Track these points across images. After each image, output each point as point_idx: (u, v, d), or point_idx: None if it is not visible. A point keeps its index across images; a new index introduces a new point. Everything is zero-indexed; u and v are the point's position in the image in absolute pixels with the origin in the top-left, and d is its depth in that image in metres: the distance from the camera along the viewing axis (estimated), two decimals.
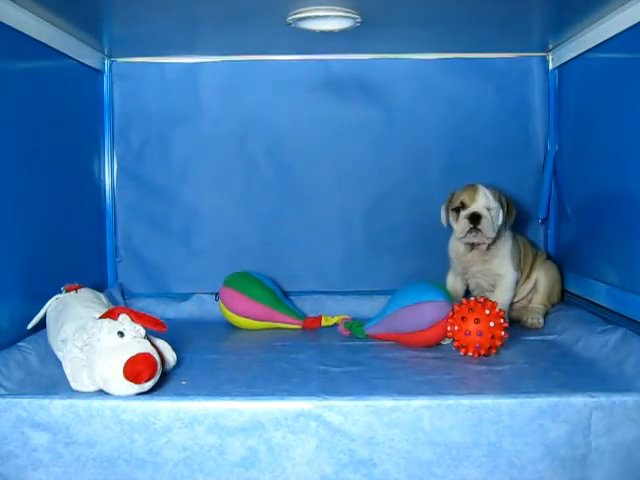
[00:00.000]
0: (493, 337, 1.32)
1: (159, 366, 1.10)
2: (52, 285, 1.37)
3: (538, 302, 1.66)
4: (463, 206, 1.57)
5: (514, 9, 1.39)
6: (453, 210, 1.59)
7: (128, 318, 1.13)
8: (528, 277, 1.68)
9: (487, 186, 1.59)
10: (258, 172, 1.87)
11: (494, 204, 1.56)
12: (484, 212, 1.55)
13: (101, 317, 1.15)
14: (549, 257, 1.79)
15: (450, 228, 1.62)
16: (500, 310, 1.35)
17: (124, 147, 1.86)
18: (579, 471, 0.96)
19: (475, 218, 1.54)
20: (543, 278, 1.68)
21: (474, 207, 1.55)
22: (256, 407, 0.96)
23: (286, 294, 1.78)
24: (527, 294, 1.69)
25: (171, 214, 1.88)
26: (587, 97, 1.64)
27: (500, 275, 1.61)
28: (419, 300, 1.41)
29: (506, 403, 0.96)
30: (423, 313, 1.40)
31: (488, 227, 1.54)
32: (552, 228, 1.86)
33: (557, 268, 1.73)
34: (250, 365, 1.35)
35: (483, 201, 1.55)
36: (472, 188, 1.58)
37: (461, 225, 1.56)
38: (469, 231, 1.54)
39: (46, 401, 0.96)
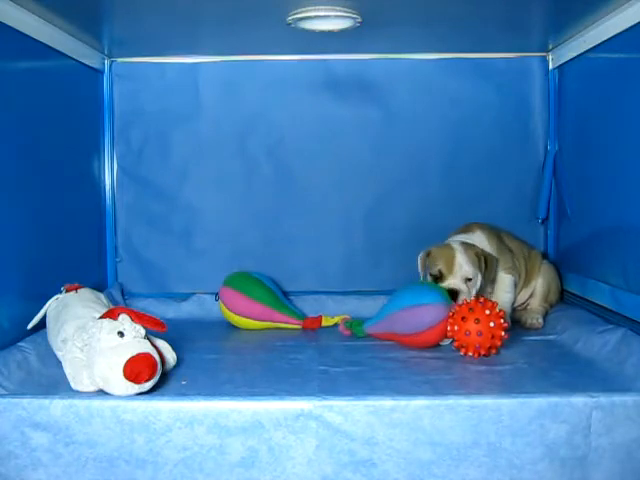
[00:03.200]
0: (493, 337, 1.32)
1: (159, 366, 1.10)
2: (52, 285, 1.37)
3: (537, 303, 1.67)
4: (441, 276, 1.50)
5: (514, 9, 1.39)
6: (431, 275, 1.53)
7: (128, 318, 1.13)
8: (528, 283, 1.68)
9: (466, 246, 1.52)
10: (258, 172, 1.87)
11: (472, 272, 1.49)
12: (462, 287, 1.48)
13: (101, 317, 1.15)
14: (545, 256, 1.78)
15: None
16: (500, 310, 1.35)
17: (124, 147, 1.86)
18: (579, 471, 0.96)
19: (454, 294, 1.47)
20: (540, 280, 1.68)
21: (452, 282, 1.49)
22: (256, 407, 0.96)
23: (286, 294, 1.78)
24: (527, 299, 1.69)
25: (171, 214, 1.88)
26: (587, 97, 1.63)
27: (497, 281, 1.60)
28: (418, 302, 1.41)
29: (506, 403, 0.96)
30: (421, 315, 1.39)
31: (465, 299, 1.45)
32: (552, 228, 1.86)
33: (554, 268, 1.73)
34: (250, 365, 1.35)
35: (461, 273, 1.49)
36: (449, 254, 1.50)
37: None
38: None
39: (46, 401, 0.96)
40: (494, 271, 1.55)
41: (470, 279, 1.50)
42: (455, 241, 1.56)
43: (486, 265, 1.52)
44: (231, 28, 1.53)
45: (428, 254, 1.55)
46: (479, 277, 1.51)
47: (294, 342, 1.52)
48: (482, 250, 1.55)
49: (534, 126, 1.85)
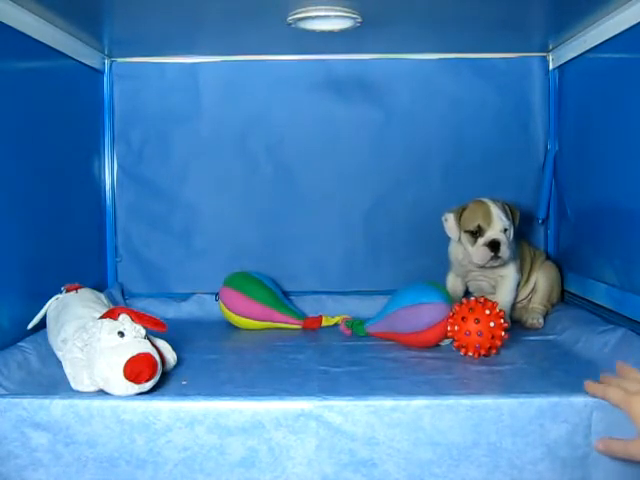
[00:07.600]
0: (493, 337, 1.32)
1: (159, 366, 1.10)
2: (52, 285, 1.36)
3: (538, 302, 1.66)
4: (480, 230, 1.54)
5: (514, 9, 1.39)
6: (467, 232, 1.56)
7: (128, 318, 1.13)
8: (528, 279, 1.68)
9: (494, 201, 1.56)
10: (258, 172, 1.86)
11: (507, 223, 1.54)
12: (502, 237, 1.52)
13: (101, 317, 1.15)
14: (548, 257, 1.78)
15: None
16: (500, 310, 1.35)
17: (124, 147, 1.86)
18: (579, 471, 0.96)
19: (496, 245, 1.52)
20: (542, 278, 1.68)
21: (492, 234, 1.52)
22: (256, 407, 0.96)
23: (286, 294, 1.78)
24: (527, 295, 1.68)
25: (171, 214, 1.87)
26: (587, 97, 1.63)
27: (502, 277, 1.60)
28: (418, 301, 1.41)
29: (506, 403, 0.96)
30: (421, 314, 1.39)
31: (507, 251, 1.52)
32: (552, 228, 1.86)
33: (557, 268, 1.73)
34: (250, 365, 1.35)
35: (499, 225, 1.53)
36: (484, 208, 1.54)
37: (480, 253, 1.53)
38: (490, 259, 1.53)
39: (46, 401, 0.96)
40: (518, 219, 1.60)
41: (506, 229, 1.54)
42: (483, 197, 1.58)
43: (512, 214, 1.58)
44: (231, 28, 1.53)
45: (462, 212, 1.57)
46: (512, 228, 1.56)
47: (294, 342, 1.52)
48: (504, 201, 1.59)
49: (534, 126, 1.85)
